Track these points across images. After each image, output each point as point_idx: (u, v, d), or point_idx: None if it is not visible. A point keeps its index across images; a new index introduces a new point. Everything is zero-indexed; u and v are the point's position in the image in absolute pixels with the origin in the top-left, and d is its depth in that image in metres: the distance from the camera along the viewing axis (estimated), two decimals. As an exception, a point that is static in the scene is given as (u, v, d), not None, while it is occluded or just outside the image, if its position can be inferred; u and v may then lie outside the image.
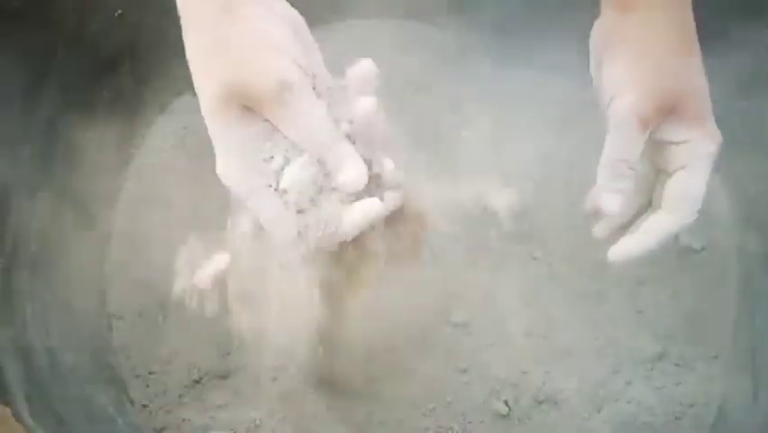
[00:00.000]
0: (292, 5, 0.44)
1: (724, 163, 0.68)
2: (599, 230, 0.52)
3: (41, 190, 0.60)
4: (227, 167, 0.42)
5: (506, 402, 0.61)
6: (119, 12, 0.64)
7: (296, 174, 0.42)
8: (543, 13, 0.72)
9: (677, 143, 0.47)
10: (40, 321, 0.58)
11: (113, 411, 0.60)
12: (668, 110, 0.46)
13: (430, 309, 0.65)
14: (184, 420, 0.61)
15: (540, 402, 0.62)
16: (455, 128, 0.72)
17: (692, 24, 0.48)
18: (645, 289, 0.66)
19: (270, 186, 0.42)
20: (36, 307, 0.58)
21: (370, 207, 0.43)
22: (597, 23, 0.50)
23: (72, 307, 0.62)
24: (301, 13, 0.45)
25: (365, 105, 0.43)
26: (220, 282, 0.47)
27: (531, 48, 0.73)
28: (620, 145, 0.47)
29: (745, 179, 0.67)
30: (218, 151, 0.42)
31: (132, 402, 0.62)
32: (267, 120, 0.41)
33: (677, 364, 0.63)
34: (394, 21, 0.76)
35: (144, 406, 0.61)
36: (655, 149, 0.48)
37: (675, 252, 0.67)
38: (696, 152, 0.47)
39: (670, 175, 0.48)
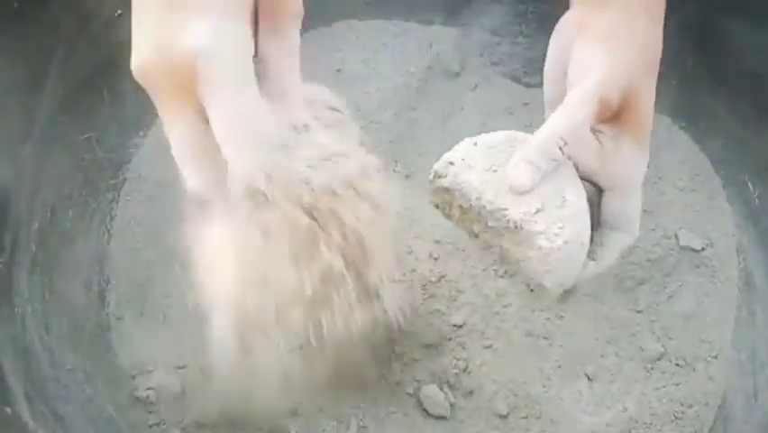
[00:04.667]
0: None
1: (724, 164, 0.69)
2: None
3: (41, 190, 0.60)
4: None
5: (506, 402, 0.61)
6: (119, 12, 0.64)
7: None
8: (542, 15, 0.73)
9: (611, 152, 0.47)
10: (40, 321, 0.58)
11: (113, 411, 0.60)
12: (617, 105, 0.45)
13: (429, 309, 0.65)
14: (184, 420, 0.61)
15: (540, 402, 0.62)
16: (457, 129, 0.72)
17: (659, 46, 0.48)
18: (645, 289, 0.66)
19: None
20: (36, 307, 0.58)
21: None
22: (566, 16, 0.49)
23: (72, 307, 0.62)
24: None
25: None
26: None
27: (530, 49, 0.73)
28: (568, 119, 0.45)
29: (745, 179, 0.67)
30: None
31: (132, 402, 0.61)
32: None
33: (677, 364, 0.63)
34: (394, 21, 0.76)
35: (144, 406, 0.61)
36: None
37: (675, 252, 0.67)
38: (630, 170, 0.47)
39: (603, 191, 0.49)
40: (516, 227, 0.45)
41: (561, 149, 0.45)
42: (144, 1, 0.39)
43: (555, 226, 0.44)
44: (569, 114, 0.45)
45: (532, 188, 0.45)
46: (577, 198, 0.46)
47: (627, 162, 0.47)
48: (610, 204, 0.49)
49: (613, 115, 0.46)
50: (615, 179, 0.47)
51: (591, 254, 0.48)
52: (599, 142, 0.47)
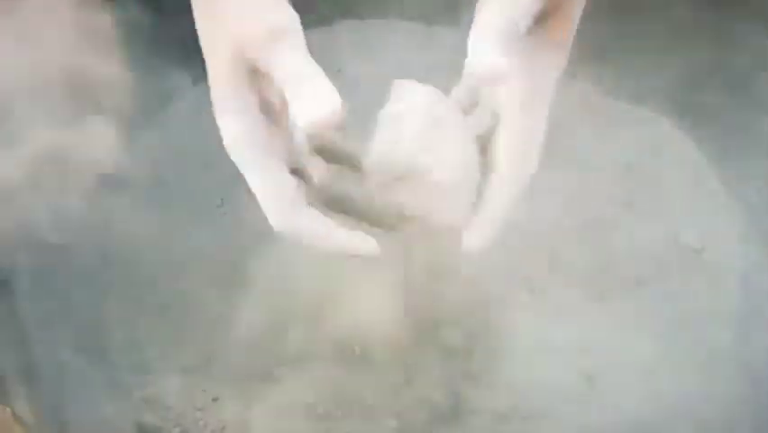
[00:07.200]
0: (294, 6, 0.44)
1: (724, 163, 0.69)
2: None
3: (42, 190, 0.60)
4: (233, 137, 0.41)
5: (506, 402, 0.62)
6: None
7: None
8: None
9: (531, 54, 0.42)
10: (40, 321, 0.58)
11: (113, 411, 0.60)
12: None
13: (429, 307, 0.65)
14: (184, 419, 0.61)
15: (540, 402, 0.62)
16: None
17: None
18: (645, 289, 0.66)
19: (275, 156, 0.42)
20: (36, 307, 0.58)
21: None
22: None
23: (72, 307, 0.62)
24: (301, 14, 0.45)
25: None
26: None
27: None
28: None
29: (745, 178, 0.67)
30: (225, 121, 0.42)
31: (132, 402, 0.62)
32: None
33: (677, 364, 0.63)
34: (394, 21, 0.76)
35: (145, 405, 0.61)
36: None
37: (675, 252, 0.67)
38: (545, 78, 0.43)
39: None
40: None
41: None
42: None
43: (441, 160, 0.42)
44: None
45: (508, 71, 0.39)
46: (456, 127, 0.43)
47: (545, 69, 0.42)
48: (508, 130, 0.43)
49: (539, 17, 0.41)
50: (525, 89, 0.42)
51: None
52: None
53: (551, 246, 0.67)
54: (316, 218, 0.41)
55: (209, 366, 0.63)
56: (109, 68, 0.64)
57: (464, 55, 0.77)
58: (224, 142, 0.42)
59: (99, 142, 0.65)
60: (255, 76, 0.41)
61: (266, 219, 0.43)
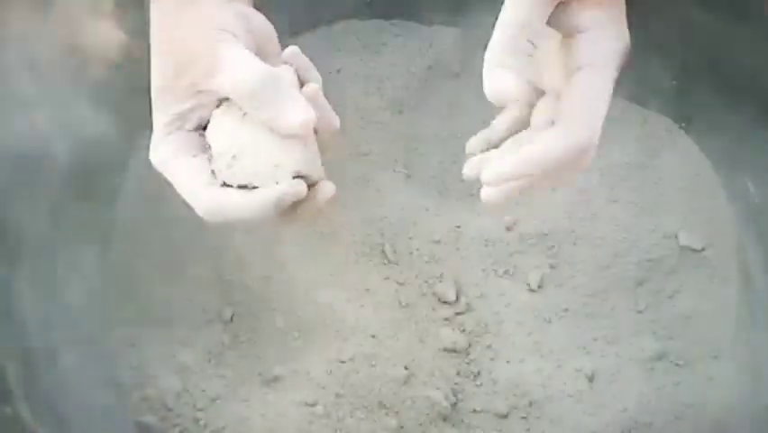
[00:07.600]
0: (294, 6, 0.44)
1: (725, 163, 0.69)
2: (473, 146, 0.45)
3: (42, 191, 0.60)
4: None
5: (506, 402, 0.62)
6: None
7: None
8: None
9: (582, 32, 0.40)
10: (40, 321, 0.58)
11: (113, 411, 0.60)
12: None
13: (427, 304, 0.65)
14: (184, 419, 0.61)
15: (540, 402, 0.62)
16: (457, 129, 0.72)
17: None
18: (645, 289, 0.66)
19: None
20: (36, 307, 0.58)
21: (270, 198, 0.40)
22: None
23: (72, 307, 0.62)
24: (301, 14, 0.45)
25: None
26: None
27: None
28: (526, 6, 0.39)
29: (744, 178, 0.67)
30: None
31: (132, 403, 0.62)
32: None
33: (677, 364, 0.63)
34: (394, 21, 0.76)
35: (144, 405, 0.61)
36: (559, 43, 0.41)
37: (675, 252, 0.67)
38: (601, 47, 0.40)
39: (567, 81, 0.40)
40: None
41: (527, 36, 0.39)
42: None
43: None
44: (517, 2, 0.39)
45: (517, 92, 0.40)
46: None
47: (596, 36, 0.40)
48: (571, 89, 0.40)
49: None
50: (582, 57, 0.40)
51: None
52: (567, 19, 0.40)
53: (551, 246, 0.67)
54: (230, 193, 0.41)
55: (209, 366, 0.63)
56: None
57: (464, 55, 0.77)
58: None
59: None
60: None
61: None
